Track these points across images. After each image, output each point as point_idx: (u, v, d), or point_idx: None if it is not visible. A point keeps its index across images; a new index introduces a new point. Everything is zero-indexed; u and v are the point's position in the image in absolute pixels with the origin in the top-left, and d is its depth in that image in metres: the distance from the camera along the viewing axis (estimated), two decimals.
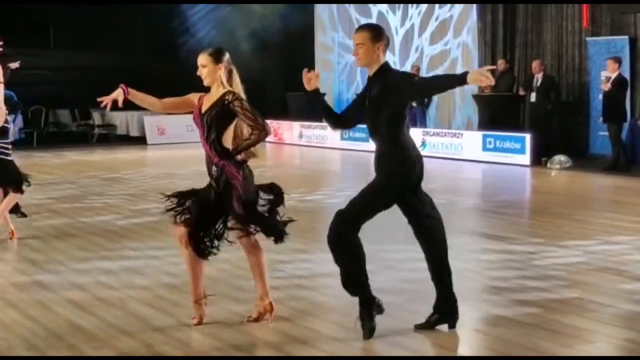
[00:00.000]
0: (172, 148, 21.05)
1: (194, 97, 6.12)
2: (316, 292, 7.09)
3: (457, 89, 21.06)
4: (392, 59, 23.07)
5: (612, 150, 15.65)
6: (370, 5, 23.72)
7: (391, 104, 5.57)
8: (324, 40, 25.17)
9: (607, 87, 15.37)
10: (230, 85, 6.00)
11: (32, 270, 7.93)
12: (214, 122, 5.90)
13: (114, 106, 6.16)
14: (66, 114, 24.65)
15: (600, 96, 16.23)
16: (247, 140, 5.87)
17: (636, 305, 6.56)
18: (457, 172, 16.44)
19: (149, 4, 23.77)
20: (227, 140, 5.95)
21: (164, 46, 24.21)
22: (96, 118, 24.29)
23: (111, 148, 21.88)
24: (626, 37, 16.92)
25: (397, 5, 23.04)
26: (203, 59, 5.99)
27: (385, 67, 5.68)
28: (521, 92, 18.14)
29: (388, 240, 8.84)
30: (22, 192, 9.44)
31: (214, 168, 5.92)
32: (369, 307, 5.69)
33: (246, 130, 5.94)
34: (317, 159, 19.24)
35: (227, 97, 5.88)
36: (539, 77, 17.51)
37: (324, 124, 21.77)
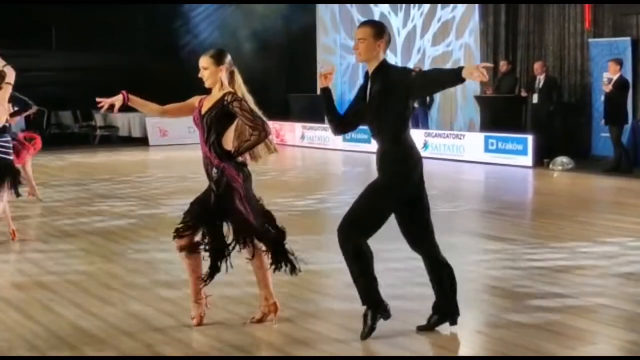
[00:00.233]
0: (173, 149, 21.06)
1: (195, 100, 6.12)
2: (317, 294, 7.08)
3: (459, 90, 21.23)
4: (394, 60, 23.07)
5: (614, 151, 15.64)
6: (373, 7, 23.72)
7: (393, 101, 5.55)
8: (325, 41, 25.17)
9: (608, 88, 15.37)
10: (233, 87, 5.98)
11: (34, 271, 7.93)
12: (214, 123, 5.88)
13: (111, 109, 6.13)
14: (68, 116, 24.65)
15: (602, 98, 16.22)
16: (248, 142, 5.86)
17: (638, 307, 6.55)
18: (459, 174, 16.43)
19: (151, 4, 23.77)
20: (227, 142, 5.93)
21: (166, 47, 24.22)
22: (98, 119, 24.30)
23: (113, 149, 21.88)
24: (628, 38, 16.91)
25: (399, 6, 23.03)
26: (204, 61, 5.97)
27: (385, 64, 5.66)
28: (523, 94, 18.14)
29: (387, 239, 8.82)
30: (17, 194, 9.47)
31: (214, 170, 5.90)
32: (375, 310, 5.68)
33: (248, 132, 5.93)
34: (319, 160, 19.24)
35: (226, 98, 5.87)
36: (541, 79, 17.51)
37: (326, 125, 21.84)
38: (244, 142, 5.87)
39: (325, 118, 6.03)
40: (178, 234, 5.95)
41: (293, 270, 6.06)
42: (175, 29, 25.09)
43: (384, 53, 5.65)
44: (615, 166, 15.46)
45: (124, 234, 9.89)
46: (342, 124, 5.92)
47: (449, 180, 15.71)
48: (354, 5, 24.24)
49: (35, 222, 10.65)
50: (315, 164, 18.91)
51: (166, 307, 6.55)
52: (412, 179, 5.66)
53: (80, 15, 23.09)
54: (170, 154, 20.31)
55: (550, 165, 16.42)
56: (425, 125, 20.61)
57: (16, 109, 11.20)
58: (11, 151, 9.16)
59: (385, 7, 23.42)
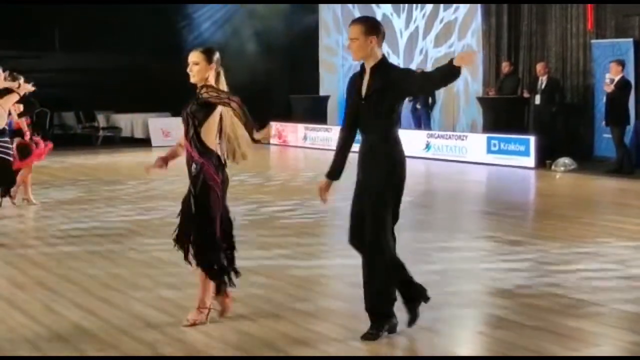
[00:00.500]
0: None
1: None
2: (317, 293, 7.08)
3: (462, 91, 21.24)
4: (397, 61, 23.08)
5: (616, 153, 15.63)
6: (375, 8, 23.72)
7: (390, 100, 5.54)
8: (328, 42, 25.18)
9: (610, 88, 15.35)
10: (218, 85, 5.95)
11: (36, 272, 7.94)
12: (191, 116, 5.90)
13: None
14: (71, 117, 24.68)
15: (605, 99, 16.21)
16: (242, 120, 5.76)
17: None
18: (461, 175, 16.42)
19: (154, 5, 23.78)
20: (207, 137, 5.90)
21: (169, 48, 24.22)
22: (101, 120, 24.32)
23: (116, 150, 21.90)
24: (630, 39, 16.90)
25: (401, 8, 23.04)
26: (196, 57, 5.94)
27: (385, 61, 5.63)
28: (525, 95, 18.13)
29: None
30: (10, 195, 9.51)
31: (193, 165, 5.90)
32: (383, 322, 5.69)
33: (239, 131, 5.92)
34: (322, 162, 19.22)
35: (200, 91, 5.87)
36: (543, 80, 17.51)
37: (328, 126, 21.86)
38: (244, 125, 5.77)
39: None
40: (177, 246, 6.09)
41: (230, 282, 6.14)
42: (179, 29, 25.11)
43: (379, 49, 5.60)
44: (617, 167, 15.45)
45: (126, 234, 9.89)
46: (352, 138, 5.80)
47: (451, 181, 15.71)
48: (356, 6, 24.24)
49: (37, 222, 10.64)
50: (318, 164, 18.89)
51: (168, 308, 6.55)
52: (401, 175, 5.61)
53: (83, 16, 23.10)
54: None
55: (553, 167, 16.42)
56: (428, 126, 20.61)
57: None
58: (11, 152, 9.17)
59: (387, 9, 23.43)
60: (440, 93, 21.74)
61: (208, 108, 5.89)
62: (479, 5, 20.68)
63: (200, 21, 25.91)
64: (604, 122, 15.98)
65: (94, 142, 23.94)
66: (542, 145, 16.82)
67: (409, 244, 9.04)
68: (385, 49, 23.33)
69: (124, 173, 16.66)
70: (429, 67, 21.97)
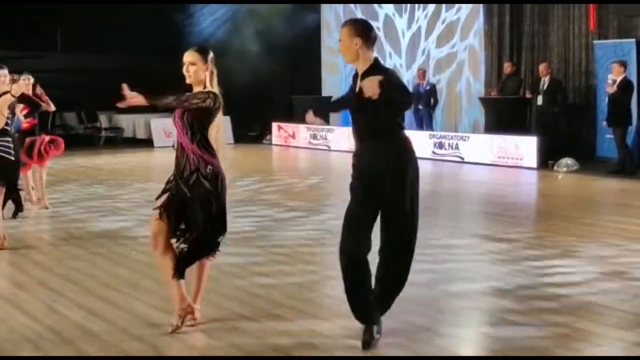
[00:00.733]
0: None
1: None
2: (320, 294, 7.08)
3: (464, 91, 21.23)
4: (399, 61, 23.09)
5: (618, 153, 15.63)
6: (377, 8, 23.73)
7: (386, 100, 5.40)
8: (329, 42, 25.18)
9: (612, 89, 15.34)
10: (211, 86, 5.92)
11: (38, 272, 7.94)
12: (195, 121, 5.84)
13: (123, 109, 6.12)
14: (73, 117, 24.71)
15: (607, 99, 16.20)
16: (167, 100, 5.77)
17: None
18: (463, 175, 16.43)
19: (155, 5, 23.79)
20: (211, 138, 5.94)
21: (171, 48, 24.20)
22: (103, 121, 24.35)
23: (118, 151, 21.92)
24: (633, 40, 16.89)
25: (403, 8, 23.05)
26: (192, 57, 5.90)
27: (376, 66, 5.47)
28: (528, 95, 18.14)
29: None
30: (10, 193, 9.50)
31: (208, 167, 5.84)
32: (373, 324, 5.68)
33: (221, 131, 5.95)
34: (325, 163, 19.24)
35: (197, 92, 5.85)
36: (545, 80, 17.51)
37: (331, 127, 21.86)
38: (165, 98, 5.78)
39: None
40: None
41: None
42: (181, 29, 25.10)
43: (368, 51, 5.45)
44: (619, 168, 15.45)
45: (128, 234, 9.90)
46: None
47: (453, 181, 15.72)
48: (358, 6, 24.25)
49: (39, 223, 10.64)
50: (322, 165, 18.90)
51: (170, 308, 6.54)
52: (410, 177, 5.52)
53: (85, 17, 23.13)
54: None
55: (555, 167, 16.42)
56: (430, 127, 20.62)
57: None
58: (12, 151, 9.16)
59: (389, 9, 23.43)
60: (443, 93, 21.76)
61: (210, 113, 5.89)
62: (481, 6, 20.69)
63: (202, 21, 25.92)
64: (605, 123, 15.97)
65: (96, 143, 23.97)
66: (545, 145, 16.82)
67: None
68: (388, 49, 23.43)
69: (126, 173, 16.67)
70: (431, 68, 22.00)
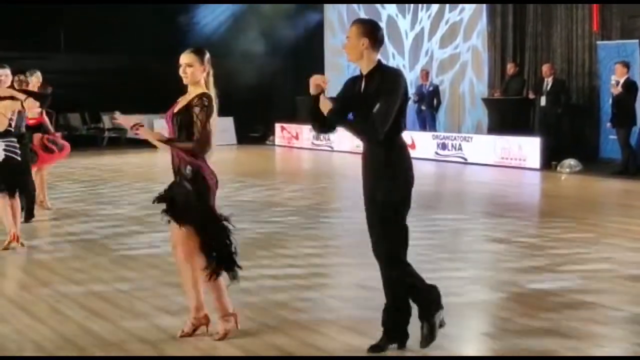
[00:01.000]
0: None
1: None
2: (323, 295, 7.08)
3: (467, 92, 21.22)
4: (402, 62, 23.09)
5: (622, 154, 15.61)
6: (380, 9, 23.73)
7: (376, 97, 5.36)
8: (333, 42, 25.19)
9: (616, 90, 15.32)
10: (207, 88, 5.87)
11: (41, 273, 7.95)
12: (184, 123, 5.76)
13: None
14: (76, 118, 24.73)
15: (610, 100, 16.19)
16: (181, 142, 5.73)
17: None
18: (466, 176, 16.43)
19: (159, 5, 23.82)
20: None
21: (174, 49, 24.18)
22: (106, 122, 24.36)
23: (121, 151, 21.93)
24: (636, 41, 16.88)
25: (407, 9, 23.04)
26: (189, 58, 5.84)
27: (380, 67, 5.44)
28: (531, 96, 18.13)
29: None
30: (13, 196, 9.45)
31: (188, 168, 5.78)
32: (391, 338, 5.59)
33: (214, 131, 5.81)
34: (329, 164, 19.24)
35: (194, 99, 5.76)
36: (549, 81, 17.50)
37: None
38: (180, 141, 5.73)
39: (311, 119, 5.72)
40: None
41: (234, 277, 5.89)
42: (184, 30, 25.11)
43: (373, 53, 5.43)
44: (623, 169, 15.44)
45: (132, 235, 9.90)
46: (327, 125, 5.65)
47: (456, 182, 15.72)
48: (361, 6, 24.25)
49: (43, 224, 10.65)
50: (325, 166, 18.90)
51: (173, 309, 6.55)
52: (409, 180, 5.47)
53: (88, 18, 23.15)
54: None
55: (558, 168, 16.41)
56: (433, 128, 20.61)
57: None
58: (19, 152, 9.18)
59: (393, 10, 23.43)
60: (446, 94, 21.75)
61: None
62: (484, 7, 20.68)
63: (204, 22, 25.93)
64: (609, 124, 15.96)
65: (99, 143, 23.98)
66: (548, 146, 16.82)
67: (414, 245, 9.03)
68: (391, 50, 23.42)
69: (129, 174, 16.68)
70: (434, 69, 21.99)
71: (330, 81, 5.88)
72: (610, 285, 7.35)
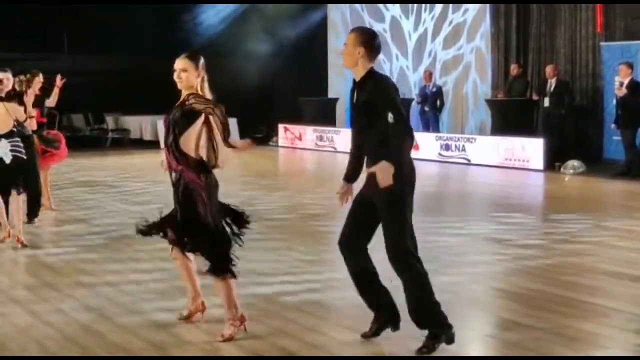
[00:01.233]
0: None
1: None
2: (327, 297, 7.08)
3: (470, 93, 21.22)
4: (405, 63, 23.09)
5: (625, 155, 15.58)
6: (384, 10, 23.74)
7: (377, 110, 5.39)
8: (336, 43, 25.19)
9: (622, 92, 15.28)
10: (203, 92, 5.88)
11: (45, 274, 7.95)
12: (173, 123, 5.81)
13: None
14: (80, 119, 24.74)
15: (614, 101, 16.17)
16: (220, 128, 5.78)
17: None
18: (470, 177, 16.42)
19: (163, 5, 23.83)
20: (187, 145, 5.79)
21: (178, 50, 24.21)
22: (110, 122, 24.38)
23: (125, 152, 21.95)
24: None
25: (410, 10, 23.04)
26: (184, 63, 5.85)
27: (372, 75, 5.51)
28: (534, 97, 18.12)
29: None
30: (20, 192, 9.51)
31: (173, 175, 5.83)
32: (436, 334, 5.56)
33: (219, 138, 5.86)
34: (332, 164, 19.24)
35: (187, 98, 5.80)
36: (552, 82, 17.48)
37: (338, 128, 21.89)
38: (221, 132, 5.79)
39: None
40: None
41: (233, 276, 5.88)
42: (187, 31, 25.14)
43: (368, 62, 5.51)
44: (626, 170, 15.41)
45: (135, 236, 9.88)
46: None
47: (460, 183, 15.71)
48: (365, 8, 24.26)
49: (47, 224, 10.66)
50: (328, 167, 18.90)
51: (178, 309, 6.55)
52: (406, 182, 5.47)
53: (92, 19, 23.16)
54: None
55: (562, 169, 16.39)
56: (436, 129, 20.60)
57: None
58: (23, 151, 9.25)
59: (396, 11, 23.43)
60: (449, 95, 21.75)
61: (191, 117, 5.78)
62: (487, 8, 20.68)
63: (208, 23, 25.93)
64: (613, 125, 15.92)
65: (103, 144, 24.00)
66: (551, 147, 16.80)
67: (418, 246, 9.02)
68: (394, 51, 23.43)
69: (133, 175, 16.69)
70: (437, 70, 21.98)
71: (332, 82, 5.90)
72: (614, 286, 7.34)
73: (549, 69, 17.68)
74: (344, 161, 5.98)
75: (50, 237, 9.93)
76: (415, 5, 22.85)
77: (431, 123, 20.74)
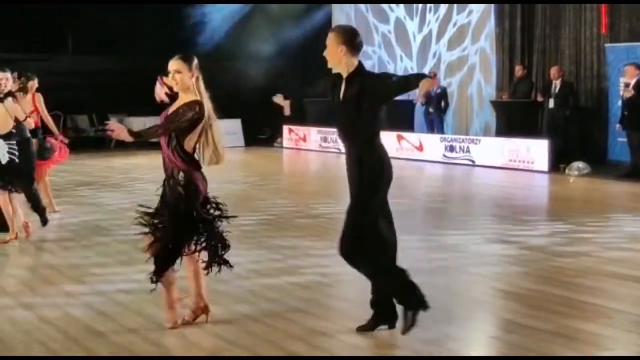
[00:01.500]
0: None
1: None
2: (325, 295, 7.08)
3: (475, 94, 21.21)
4: (410, 64, 23.08)
5: (631, 156, 15.55)
6: (389, 11, 23.73)
7: (368, 106, 5.57)
8: None
9: (629, 93, 15.21)
10: (199, 91, 5.96)
11: (50, 275, 7.96)
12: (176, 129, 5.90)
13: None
14: (84, 119, 24.76)
15: (619, 102, 16.13)
16: (148, 130, 5.99)
17: None
18: (474, 178, 16.40)
19: (167, 6, 23.85)
20: (189, 146, 5.94)
21: (183, 51, 24.29)
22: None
23: (130, 153, 21.94)
24: None
25: (414, 11, 23.03)
26: (177, 65, 5.95)
27: (360, 69, 5.69)
28: (539, 98, 18.10)
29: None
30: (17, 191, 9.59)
31: (180, 174, 5.91)
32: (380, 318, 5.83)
33: (217, 136, 5.95)
34: (335, 165, 19.23)
35: (184, 106, 5.87)
36: (557, 83, 17.46)
37: None
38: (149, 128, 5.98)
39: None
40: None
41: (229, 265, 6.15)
42: (192, 32, 25.15)
43: (352, 58, 5.68)
44: (631, 171, 15.37)
45: (139, 236, 9.88)
46: None
47: (464, 184, 15.70)
48: (369, 9, 24.25)
49: (51, 225, 10.66)
50: (331, 168, 18.89)
51: (179, 309, 6.55)
52: (389, 179, 5.68)
53: (97, 20, 23.19)
54: None
55: (567, 171, 16.37)
56: (441, 130, 20.58)
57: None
58: (17, 154, 9.33)
59: (400, 12, 23.42)
60: (454, 97, 21.73)
61: (194, 122, 5.89)
62: (492, 9, 20.66)
63: (213, 24, 25.94)
64: (618, 126, 15.87)
65: (107, 145, 24.01)
66: (556, 149, 16.78)
67: (422, 247, 9.03)
68: (399, 52, 23.42)
69: (137, 175, 16.70)
70: (441, 71, 21.96)
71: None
72: (617, 287, 7.33)
73: (553, 70, 17.66)
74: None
75: (53, 238, 9.93)
76: (420, 6, 22.82)
77: (435, 124, 20.72)
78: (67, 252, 9.06)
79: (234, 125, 23.01)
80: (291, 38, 25.68)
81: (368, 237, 5.61)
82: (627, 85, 15.37)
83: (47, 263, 8.49)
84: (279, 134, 24.59)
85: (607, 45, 17.76)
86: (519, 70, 19.05)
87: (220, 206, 6.13)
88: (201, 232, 6.02)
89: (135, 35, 23.37)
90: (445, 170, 17.52)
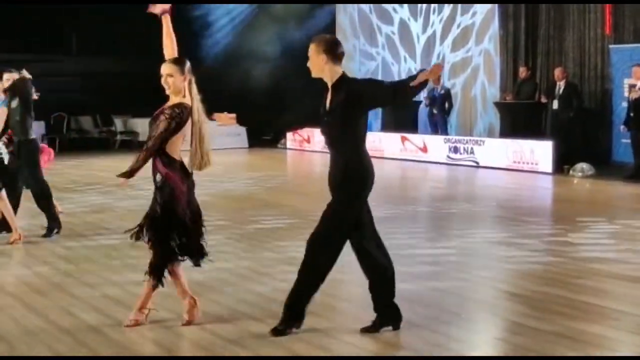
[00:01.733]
0: None
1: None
2: (323, 294, 7.08)
3: (479, 95, 21.19)
4: (414, 65, 23.07)
5: (635, 158, 15.52)
6: (392, 12, 23.72)
7: (354, 112, 5.65)
8: (344, 47, 25.16)
9: (636, 94, 15.15)
10: (191, 95, 5.97)
11: (54, 275, 7.97)
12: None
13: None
14: (88, 121, 24.80)
15: (624, 104, 16.10)
16: (134, 163, 6.19)
17: None
18: (478, 179, 16.39)
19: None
20: (172, 149, 5.98)
21: (186, 53, 24.30)
22: (118, 125, 24.41)
23: (133, 154, 21.96)
24: None
25: (419, 12, 23.02)
26: (169, 69, 6.04)
27: (344, 77, 5.77)
28: (543, 100, 18.08)
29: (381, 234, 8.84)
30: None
31: (157, 176, 5.95)
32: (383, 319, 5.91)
33: (205, 139, 6.01)
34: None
35: (166, 109, 5.95)
36: (561, 85, 17.44)
37: None
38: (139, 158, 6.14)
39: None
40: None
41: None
42: (196, 33, 25.17)
43: (335, 66, 5.76)
44: (635, 172, 15.35)
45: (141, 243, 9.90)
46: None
47: (468, 186, 15.69)
48: (373, 10, 24.24)
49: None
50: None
51: (181, 311, 6.56)
52: (370, 189, 5.78)
53: (101, 22, 23.22)
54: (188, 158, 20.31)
55: (570, 172, 16.35)
56: (445, 131, 20.56)
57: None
58: (4, 157, 9.51)
59: (405, 13, 23.41)
60: (458, 98, 21.71)
61: (177, 126, 5.97)
62: (496, 10, 20.65)
63: (217, 25, 25.96)
64: (623, 127, 15.84)
65: (111, 146, 24.04)
66: (560, 150, 16.75)
67: (426, 249, 9.03)
68: (403, 53, 23.41)
69: (141, 177, 16.68)
70: (445, 72, 21.95)
71: None
72: (622, 289, 7.33)
73: (557, 72, 17.64)
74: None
75: (57, 239, 9.93)
76: (424, 7, 22.82)
77: (439, 125, 20.70)
78: (72, 254, 9.06)
79: (238, 127, 22.96)
80: (294, 39, 25.68)
81: (334, 240, 5.78)
82: (633, 86, 15.34)
83: (52, 264, 8.50)
84: (284, 135, 24.59)
85: (611, 46, 17.74)
86: (522, 72, 19.04)
87: (197, 217, 6.15)
88: (181, 236, 6.06)
89: (139, 37, 23.30)
90: (449, 172, 17.51)
